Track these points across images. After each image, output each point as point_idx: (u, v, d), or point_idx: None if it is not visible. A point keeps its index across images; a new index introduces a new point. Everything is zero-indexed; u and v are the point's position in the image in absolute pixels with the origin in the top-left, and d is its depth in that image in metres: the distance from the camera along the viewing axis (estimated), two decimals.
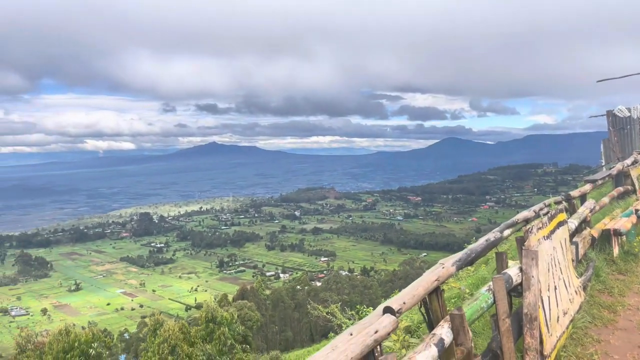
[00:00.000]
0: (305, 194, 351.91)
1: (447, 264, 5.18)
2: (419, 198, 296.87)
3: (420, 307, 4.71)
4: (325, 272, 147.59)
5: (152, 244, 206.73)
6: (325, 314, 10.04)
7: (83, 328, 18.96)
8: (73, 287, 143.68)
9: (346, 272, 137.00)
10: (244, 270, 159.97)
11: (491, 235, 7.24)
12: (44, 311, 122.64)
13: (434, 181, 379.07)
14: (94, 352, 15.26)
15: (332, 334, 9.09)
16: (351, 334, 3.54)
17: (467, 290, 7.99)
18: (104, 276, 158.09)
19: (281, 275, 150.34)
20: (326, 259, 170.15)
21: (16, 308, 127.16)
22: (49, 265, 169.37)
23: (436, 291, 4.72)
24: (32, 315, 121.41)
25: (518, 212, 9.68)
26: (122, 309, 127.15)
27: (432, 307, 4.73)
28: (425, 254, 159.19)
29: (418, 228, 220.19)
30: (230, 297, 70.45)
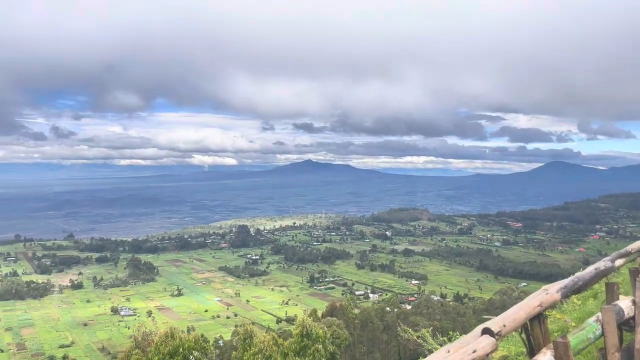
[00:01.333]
0: (397, 214, 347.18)
1: (551, 289, 5.01)
2: (520, 224, 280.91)
3: (521, 332, 4.58)
4: (415, 295, 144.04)
5: (248, 256, 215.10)
6: (416, 337, 9.88)
7: (186, 332, 20.23)
8: (175, 292, 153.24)
9: (438, 297, 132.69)
10: (333, 287, 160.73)
11: (601, 264, 6.82)
12: (149, 313, 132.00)
13: (537, 207, 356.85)
14: (193, 358, 16.24)
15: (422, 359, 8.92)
16: (448, 351, 3.51)
17: (572, 324, 7.56)
18: (203, 284, 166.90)
19: (370, 295, 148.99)
20: (417, 282, 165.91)
21: (125, 308, 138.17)
22: (155, 271, 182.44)
23: (538, 317, 4.58)
24: (138, 316, 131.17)
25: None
26: (218, 316, 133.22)
27: (533, 333, 4.59)
28: (525, 283, 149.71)
29: (518, 256, 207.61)
30: (319, 313, 71.10)
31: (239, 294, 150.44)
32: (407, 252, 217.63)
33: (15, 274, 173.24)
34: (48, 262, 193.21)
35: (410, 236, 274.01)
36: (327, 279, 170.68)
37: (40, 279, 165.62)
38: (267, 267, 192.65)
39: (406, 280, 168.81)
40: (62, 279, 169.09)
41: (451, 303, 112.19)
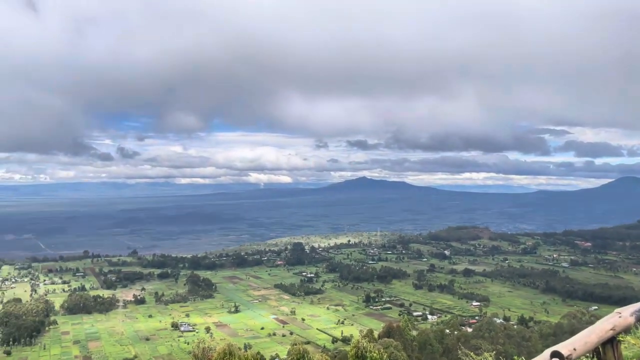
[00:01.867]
0: (456, 233, 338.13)
1: (624, 313, 4.49)
2: (589, 243, 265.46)
3: (592, 357, 4.42)
4: (477, 317, 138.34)
5: (303, 274, 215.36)
6: None
7: (243, 349, 19.88)
8: (233, 309, 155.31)
9: (501, 320, 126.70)
10: (390, 308, 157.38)
11: None
12: (207, 329, 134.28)
13: (608, 225, 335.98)
14: None
15: None
16: None
17: None
18: (259, 301, 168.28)
19: (429, 316, 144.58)
20: (478, 303, 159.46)
21: (185, 324, 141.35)
22: (213, 287, 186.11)
23: (611, 341, 4.41)
24: (197, 332, 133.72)
25: None
26: (273, 334, 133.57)
27: (605, 357, 4.42)
28: (595, 307, 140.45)
29: (587, 277, 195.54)
30: (375, 334, 69.31)
31: (294, 312, 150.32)
32: (467, 272, 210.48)
33: (83, 288, 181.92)
34: (113, 278, 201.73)
35: (470, 255, 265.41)
36: (383, 299, 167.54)
37: (106, 293, 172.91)
38: (322, 286, 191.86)
39: (466, 302, 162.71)
40: (126, 294, 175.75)
41: (515, 326, 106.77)
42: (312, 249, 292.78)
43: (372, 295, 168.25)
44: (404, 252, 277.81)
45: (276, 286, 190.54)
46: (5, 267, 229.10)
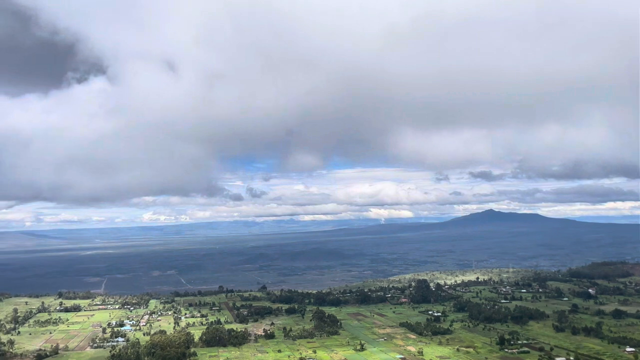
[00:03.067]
0: (602, 269, 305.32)
1: None
2: None
3: None
4: None
5: (430, 312, 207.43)
6: None
7: None
8: (358, 347, 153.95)
9: None
10: (527, 351, 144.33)
11: None
12: None
13: None
14: None
15: None
16: None
17: None
18: (384, 339, 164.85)
19: None
20: (632, 349, 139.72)
21: None
22: (338, 323, 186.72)
23: None
24: None
25: None
26: None
27: None
28: None
29: None
30: None
31: (422, 352, 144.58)
32: (617, 314, 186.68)
33: (219, 322, 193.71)
34: (245, 312, 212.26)
35: (619, 295, 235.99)
36: (519, 342, 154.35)
37: (239, 327, 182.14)
38: (450, 325, 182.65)
39: (618, 347, 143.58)
40: (257, 328, 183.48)
41: None
42: (438, 286, 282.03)
43: (507, 337, 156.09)
44: (540, 290, 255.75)
45: (401, 324, 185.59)
46: (153, 301, 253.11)
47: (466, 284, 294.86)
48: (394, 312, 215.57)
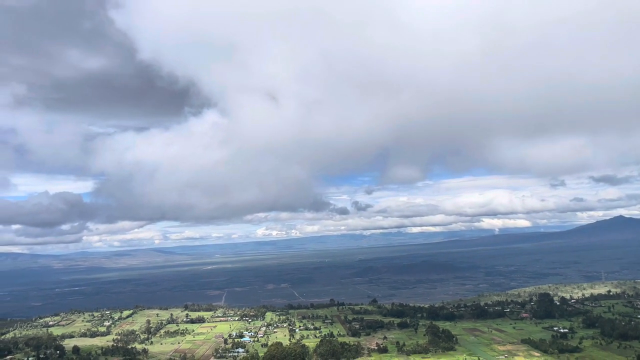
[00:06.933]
0: None
1: None
2: None
3: None
4: None
5: (555, 328, 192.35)
6: None
7: None
8: None
9: None
10: None
11: None
12: None
13: None
14: None
15: None
16: None
17: None
18: (505, 357, 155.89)
19: None
20: None
21: None
22: (454, 339, 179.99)
23: None
24: None
25: None
26: None
27: None
28: None
29: None
30: None
31: None
32: None
33: (332, 335, 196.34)
34: (357, 326, 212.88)
35: None
36: None
37: (351, 340, 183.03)
38: (579, 343, 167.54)
39: None
40: (369, 342, 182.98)
41: None
42: (563, 300, 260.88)
43: None
44: None
45: (523, 341, 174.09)
46: (269, 314, 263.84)
47: (595, 298, 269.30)
48: (513, 327, 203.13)
